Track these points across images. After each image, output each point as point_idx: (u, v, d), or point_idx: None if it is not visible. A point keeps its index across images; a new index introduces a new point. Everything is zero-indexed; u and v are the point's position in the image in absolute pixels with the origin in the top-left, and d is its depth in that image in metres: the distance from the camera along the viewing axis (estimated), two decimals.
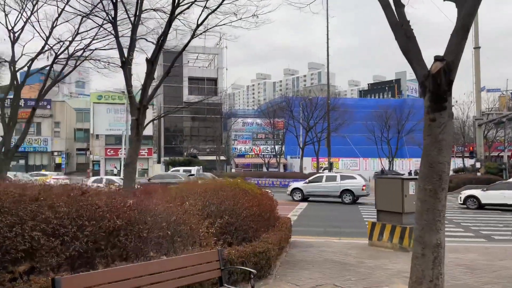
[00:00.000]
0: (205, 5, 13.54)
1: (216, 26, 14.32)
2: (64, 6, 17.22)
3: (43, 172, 39.23)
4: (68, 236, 4.69)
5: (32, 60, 18.65)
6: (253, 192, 8.95)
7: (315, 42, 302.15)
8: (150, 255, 5.21)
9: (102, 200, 5.38)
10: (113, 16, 14.29)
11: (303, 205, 23.84)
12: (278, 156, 56.36)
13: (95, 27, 17.80)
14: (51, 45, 18.95)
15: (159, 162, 59.64)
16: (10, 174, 29.92)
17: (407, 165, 62.92)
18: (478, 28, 39.25)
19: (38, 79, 19.51)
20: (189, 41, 14.41)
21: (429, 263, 4.95)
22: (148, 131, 53.55)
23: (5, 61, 18.49)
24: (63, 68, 20.46)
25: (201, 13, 13.68)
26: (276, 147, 57.64)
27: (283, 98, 59.22)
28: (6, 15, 18.01)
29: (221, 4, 13.44)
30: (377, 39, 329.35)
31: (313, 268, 8.14)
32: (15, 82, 18.53)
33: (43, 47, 18.64)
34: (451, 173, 37.08)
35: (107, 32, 17.23)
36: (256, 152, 63.43)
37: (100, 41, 18.67)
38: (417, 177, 5.86)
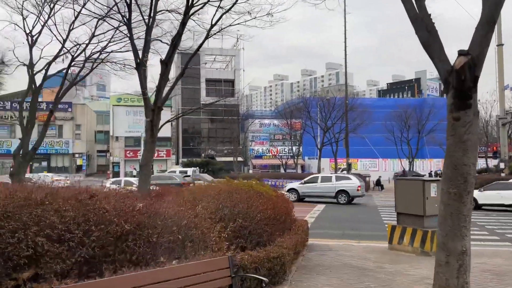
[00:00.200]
0: (219, 5, 13.43)
1: (230, 25, 14.21)
2: (81, 9, 17.38)
3: (44, 173, 40.31)
4: (74, 242, 4.53)
5: (50, 63, 18.82)
6: (268, 195, 8.73)
7: (332, 40, 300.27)
8: (160, 261, 5.03)
9: (110, 203, 5.22)
10: (127, 18, 14.31)
11: (321, 207, 23.49)
12: (295, 157, 55.93)
13: (111, 29, 17.95)
14: (68, 48, 19.15)
15: (177, 163, 59.93)
16: (33, 176, 30.68)
17: (428, 166, 61.87)
18: (501, 25, 38.25)
19: (59, 82, 19.68)
20: (203, 41, 14.31)
21: (453, 271, 4.65)
22: (167, 132, 53.96)
23: (24, 64, 18.68)
24: (80, 71, 20.67)
25: (215, 13, 13.60)
26: (294, 148, 57.27)
27: (300, 98, 58.82)
28: (24, 19, 18.22)
29: (235, 3, 13.30)
30: (396, 36, 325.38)
31: (330, 274, 7.86)
32: (33, 86, 18.71)
33: (60, 50, 18.81)
34: None
35: (123, 34, 17.33)
36: (273, 153, 63.21)
37: (117, 43, 18.78)
38: (438, 178, 5.54)
